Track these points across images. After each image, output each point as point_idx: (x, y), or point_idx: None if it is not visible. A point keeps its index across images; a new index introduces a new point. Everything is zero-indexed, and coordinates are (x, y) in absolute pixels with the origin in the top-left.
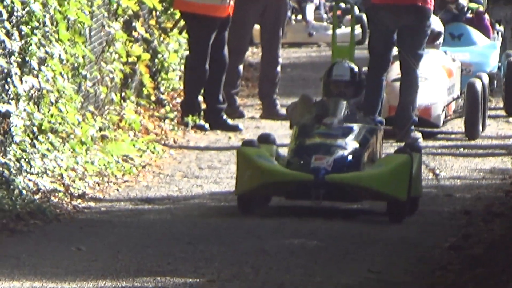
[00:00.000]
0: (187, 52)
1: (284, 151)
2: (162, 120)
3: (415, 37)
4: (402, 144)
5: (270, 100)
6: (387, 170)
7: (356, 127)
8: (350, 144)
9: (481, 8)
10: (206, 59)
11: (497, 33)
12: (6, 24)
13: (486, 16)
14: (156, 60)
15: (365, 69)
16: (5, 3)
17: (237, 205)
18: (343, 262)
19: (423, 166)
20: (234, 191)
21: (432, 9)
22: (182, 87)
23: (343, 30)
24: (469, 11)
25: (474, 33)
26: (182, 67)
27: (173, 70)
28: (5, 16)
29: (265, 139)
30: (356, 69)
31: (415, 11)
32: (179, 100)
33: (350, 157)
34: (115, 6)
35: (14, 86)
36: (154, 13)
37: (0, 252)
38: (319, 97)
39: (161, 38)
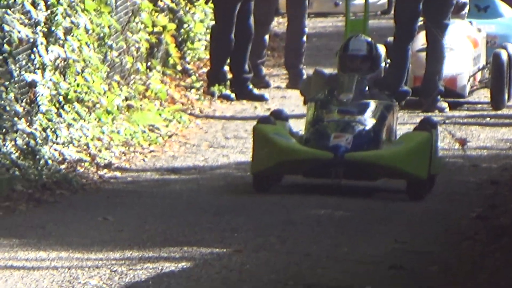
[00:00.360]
0: (213, 22)
1: (295, 125)
2: (188, 90)
3: (441, 7)
4: (427, 114)
5: (296, 70)
6: (408, 148)
7: (373, 103)
8: (369, 121)
9: None
10: (232, 29)
11: None
12: None
13: None
14: (182, 30)
15: (390, 39)
16: None
17: (252, 184)
18: (370, 233)
19: (450, 136)
20: (250, 169)
21: None
22: (208, 57)
23: None
24: None
25: (501, 5)
26: (208, 37)
27: (199, 40)
28: None
29: (278, 115)
30: (372, 43)
31: None
32: (205, 70)
33: (369, 135)
34: None
35: (40, 56)
36: None
37: (27, 222)
38: (334, 72)
39: (187, 8)
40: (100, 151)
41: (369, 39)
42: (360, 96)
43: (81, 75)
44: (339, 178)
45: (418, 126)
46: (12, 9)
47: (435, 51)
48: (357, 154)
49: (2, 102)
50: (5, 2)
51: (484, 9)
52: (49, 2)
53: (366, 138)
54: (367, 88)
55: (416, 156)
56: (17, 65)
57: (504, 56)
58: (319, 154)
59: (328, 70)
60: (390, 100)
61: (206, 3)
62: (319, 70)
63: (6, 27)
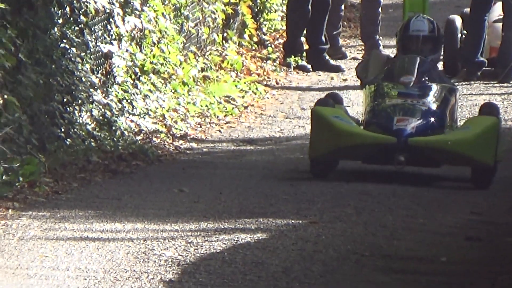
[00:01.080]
0: None
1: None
2: (264, 61)
3: None
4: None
5: (373, 40)
6: (475, 133)
7: (435, 86)
8: (432, 104)
9: None
10: (308, 0)
11: None
12: None
13: None
14: (258, 1)
15: (466, 10)
16: None
17: (310, 169)
18: (446, 204)
19: None
20: (308, 154)
21: None
22: (284, 27)
23: None
24: None
25: None
26: (285, 8)
27: (275, 10)
28: None
29: (333, 98)
30: (434, 23)
31: None
32: (281, 40)
33: (433, 119)
34: None
35: (117, 26)
36: None
37: (102, 194)
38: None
39: None
40: (176, 122)
41: (431, 20)
42: (422, 79)
43: (157, 46)
44: (403, 164)
45: (482, 110)
46: None
47: (511, 22)
48: (421, 139)
49: (78, 73)
50: None
51: None
52: None
53: (430, 122)
54: (430, 70)
55: (483, 142)
56: (93, 36)
57: None
58: (381, 139)
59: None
60: (452, 84)
61: None
62: (377, 51)
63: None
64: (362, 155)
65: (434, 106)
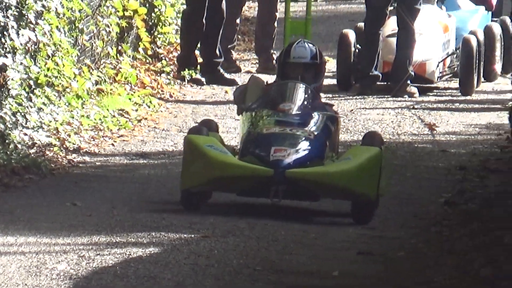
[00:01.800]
0: (184, 6)
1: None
2: (159, 74)
3: None
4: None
5: (267, 54)
6: (356, 165)
7: (316, 115)
8: (312, 134)
9: None
10: (203, 13)
11: None
12: None
13: None
14: (153, 14)
15: (361, 24)
16: None
17: (180, 201)
18: (338, 219)
19: (419, 121)
20: (179, 185)
21: None
22: (178, 41)
23: None
24: None
25: None
26: (179, 21)
27: (170, 24)
28: None
29: (207, 125)
30: (316, 50)
31: None
32: (175, 54)
33: (313, 149)
34: None
35: (11, 39)
36: None
37: None
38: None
39: None
40: (69, 135)
41: (314, 46)
42: (302, 107)
43: (52, 59)
44: (279, 197)
45: (365, 140)
46: None
47: (405, 36)
48: (299, 171)
49: None
50: None
51: (441, 0)
52: None
53: (309, 153)
54: (311, 98)
55: (365, 175)
56: None
57: (473, 41)
58: (257, 170)
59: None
60: (334, 112)
61: None
62: (256, 76)
63: None
64: (236, 187)
65: (314, 136)
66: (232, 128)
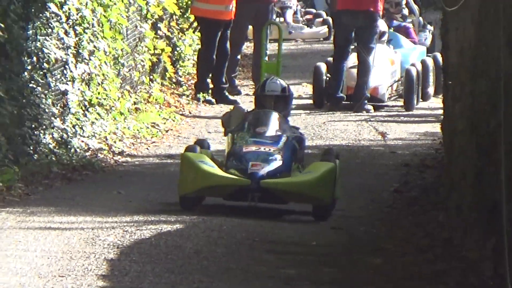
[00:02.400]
0: (199, 46)
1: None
2: (180, 96)
3: (367, 34)
4: (357, 112)
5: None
6: (316, 176)
7: (285, 136)
8: (281, 151)
9: (409, 20)
10: (214, 51)
11: (429, 31)
12: (65, 25)
13: (411, 26)
14: (176, 52)
15: (330, 58)
16: (63, 9)
17: (179, 203)
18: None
19: (374, 130)
20: (178, 191)
21: (380, 13)
22: (195, 71)
23: (313, 29)
24: (407, 20)
25: (402, 39)
26: (195, 57)
27: (188, 59)
28: (63, 19)
29: (201, 144)
30: (285, 85)
31: (367, 15)
32: (193, 81)
33: (282, 164)
34: (145, 11)
35: (71, 71)
36: (174, 17)
37: (61, 195)
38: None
39: (179, 36)
40: (115, 142)
41: (283, 82)
42: (274, 130)
43: (101, 85)
44: (255, 201)
45: (323, 157)
46: (50, 37)
47: (363, 67)
48: (271, 181)
49: (43, 105)
50: (45, 31)
51: (389, 41)
52: (77, 31)
53: (279, 167)
54: (281, 123)
55: (322, 184)
56: (54, 78)
57: (413, 71)
58: (238, 181)
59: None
60: (300, 133)
61: (194, 32)
62: (238, 106)
63: (46, 50)
64: (222, 193)
65: (283, 153)
66: None
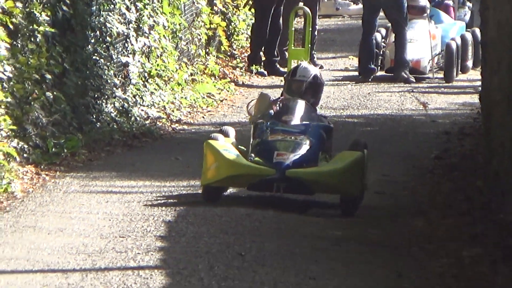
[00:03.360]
0: (252, 21)
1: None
2: (234, 68)
3: (395, 11)
4: (398, 83)
5: (310, 54)
6: (343, 166)
7: (312, 125)
8: (308, 141)
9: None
10: (266, 26)
11: (468, 8)
12: (126, 1)
13: (451, 3)
14: (230, 26)
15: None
16: None
17: (201, 194)
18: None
19: (416, 100)
20: (200, 181)
21: None
22: (248, 45)
23: (359, 5)
24: None
25: (442, 14)
26: (249, 31)
27: (242, 33)
28: None
29: (224, 133)
30: (318, 73)
31: None
32: (246, 54)
33: (308, 154)
34: None
35: (131, 45)
36: None
37: (122, 161)
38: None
39: (234, 11)
40: (173, 111)
41: (316, 69)
42: (301, 118)
43: (160, 58)
44: (280, 192)
45: (350, 146)
46: (112, 12)
47: (397, 39)
48: (297, 171)
49: (105, 77)
50: (108, 7)
51: (431, 17)
52: (138, 7)
53: (305, 157)
54: (309, 111)
55: (350, 174)
56: (116, 51)
57: (453, 45)
58: (262, 170)
59: (330, 54)
60: (328, 122)
61: (249, 9)
62: (264, 93)
63: (108, 25)
64: (246, 183)
65: (310, 142)
66: None
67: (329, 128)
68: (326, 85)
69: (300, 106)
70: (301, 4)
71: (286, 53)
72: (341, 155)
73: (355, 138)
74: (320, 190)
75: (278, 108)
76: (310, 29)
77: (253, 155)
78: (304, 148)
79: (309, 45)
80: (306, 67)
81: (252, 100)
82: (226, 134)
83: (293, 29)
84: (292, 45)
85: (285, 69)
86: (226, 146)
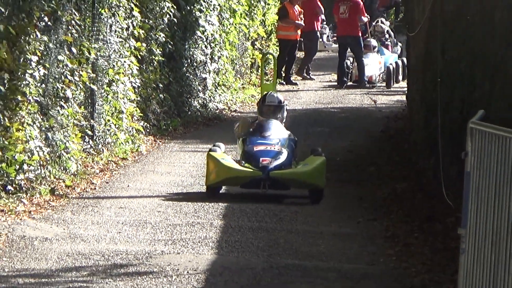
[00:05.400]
0: (277, 53)
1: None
2: (267, 81)
3: (354, 47)
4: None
5: (306, 72)
6: (313, 167)
7: (283, 138)
8: (284, 150)
9: (388, 40)
10: (285, 56)
11: (399, 46)
12: (205, 42)
13: (389, 43)
14: (265, 57)
15: (346, 60)
16: (205, 34)
17: (205, 192)
18: (330, 137)
19: (370, 99)
20: (205, 182)
21: (360, 36)
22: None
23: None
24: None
25: (384, 50)
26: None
27: (270, 62)
28: (204, 39)
29: (219, 146)
30: (281, 98)
31: (351, 38)
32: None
33: (285, 159)
34: (247, 35)
35: (208, 67)
36: (263, 38)
37: (203, 134)
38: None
39: (266, 49)
40: (231, 105)
41: (279, 95)
42: (276, 133)
43: (225, 75)
44: (266, 188)
45: (314, 153)
46: (196, 48)
47: (358, 65)
48: (278, 172)
49: (193, 86)
50: (194, 46)
51: (378, 51)
52: (212, 46)
53: (283, 161)
54: (280, 128)
55: (318, 173)
56: (199, 71)
57: (391, 67)
58: (252, 173)
59: (321, 72)
60: (294, 136)
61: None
62: (245, 118)
63: (195, 56)
64: (239, 183)
65: (284, 151)
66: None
67: (295, 140)
68: (318, 89)
69: (275, 124)
70: (270, 50)
71: (304, 71)
72: (309, 159)
73: (312, 147)
74: (296, 186)
75: (257, 127)
76: (277, 69)
77: (243, 162)
78: (284, 155)
79: (276, 81)
80: (272, 94)
81: (236, 123)
82: (219, 147)
83: (264, 70)
84: (263, 81)
85: (296, 80)
86: (223, 155)
